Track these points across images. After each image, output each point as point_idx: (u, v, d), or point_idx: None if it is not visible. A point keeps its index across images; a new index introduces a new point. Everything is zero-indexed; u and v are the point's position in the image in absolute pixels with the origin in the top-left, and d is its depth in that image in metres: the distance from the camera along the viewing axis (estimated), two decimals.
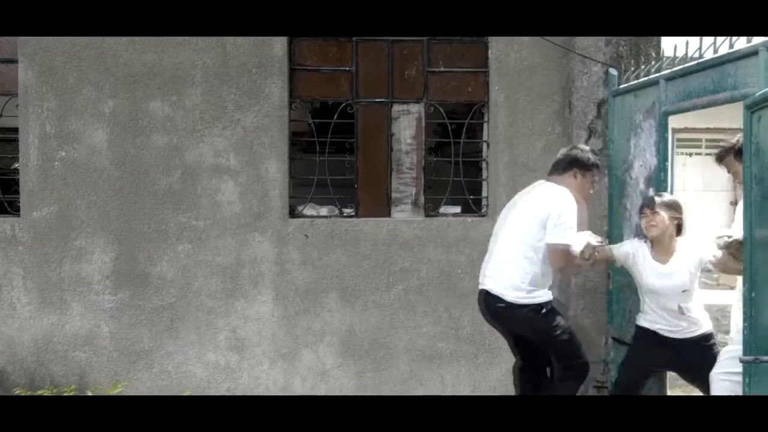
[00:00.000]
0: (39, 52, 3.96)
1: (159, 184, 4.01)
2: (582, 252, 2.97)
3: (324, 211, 4.19)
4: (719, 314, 4.60)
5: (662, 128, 3.31)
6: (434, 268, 4.06)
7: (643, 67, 3.59)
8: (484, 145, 4.23)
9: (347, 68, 4.15)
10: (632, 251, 3.13)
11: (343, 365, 4.08)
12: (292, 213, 4.11)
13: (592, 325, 3.99)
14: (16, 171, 4.08)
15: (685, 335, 3.02)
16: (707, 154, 10.10)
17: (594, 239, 3.03)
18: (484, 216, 4.16)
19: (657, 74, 3.35)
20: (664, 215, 2.97)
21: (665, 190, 3.30)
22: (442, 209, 4.24)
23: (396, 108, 4.22)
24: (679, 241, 3.04)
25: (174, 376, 4.06)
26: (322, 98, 4.36)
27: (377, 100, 4.18)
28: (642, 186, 3.50)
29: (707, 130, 9.52)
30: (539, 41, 3.95)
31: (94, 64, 3.98)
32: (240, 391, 4.03)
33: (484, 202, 4.23)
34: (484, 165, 4.26)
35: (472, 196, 4.23)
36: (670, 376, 3.49)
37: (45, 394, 3.79)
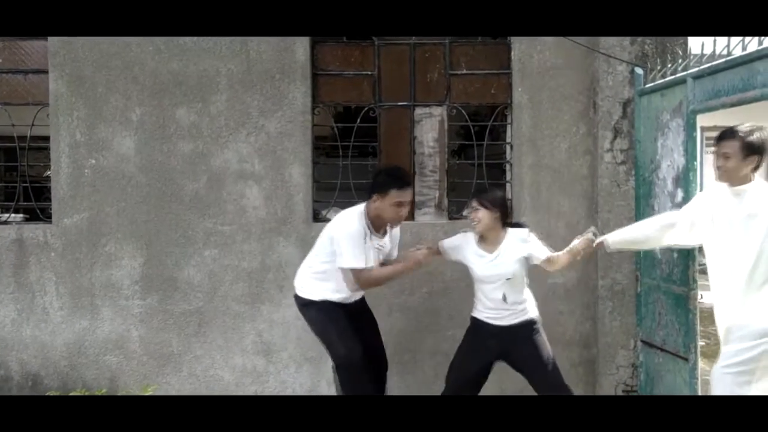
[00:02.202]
0: (69, 63, 4.06)
1: (185, 190, 4.07)
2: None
3: None
4: None
5: (690, 127, 3.25)
6: (458, 270, 4.02)
7: (669, 65, 3.53)
8: (508, 147, 4.21)
9: (369, 72, 4.16)
10: (460, 243, 3.24)
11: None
12: (316, 217, 4.14)
13: (620, 328, 3.94)
14: (47, 179, 4.18)
15: (508, 322, 3.12)
16: None
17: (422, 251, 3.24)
18: None
19: (684, 72, 3.30)
20: (486, 211, 3.08)
21: (694, 190, 3.25)
22: (466, 212, 4.22)
23: (418, 111, 4.22)
24: (509, 232, 3.16)
25: (202, 379, 4.11)
26: (344, 102, 4.38)
27: (400, 103, 4.18)
28: (670, 187, 3.44)
29: None
30: (563, 41, 3.91)
31: (122, 73, 4.06)
32: (267, 395, 4.06)
33: (507, 204, 4.19)
34: (507, 167, 4.23)
35: None
36: None
37: (78, 395, 3.87)
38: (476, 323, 3.23)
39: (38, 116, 4.15)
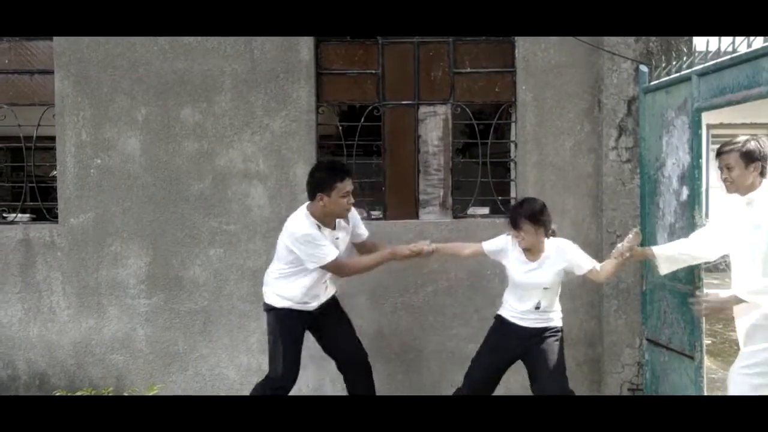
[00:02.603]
0: (74, 63, 4.08)
1: (191, 189, 4.09)
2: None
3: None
4: None
5: (695, 125, 3.24)
6: (463, 269, 4.05)
7: (674, 63, 3.52)
8: (512, 146, 4.20)
9: (373, 71, 4.17)
10: (503, 247, 3.23)
11: (374, 368, 4.05)
12: None
13: (625, 326, 3.93)
14: (54, 179, 4.20)
15: (533, 325, 3.14)
16: None
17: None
18: None
19: (689, 70, 3.29)
20: (529, 228, 3.05)
21: (699, 188, 3.24)
22: (470, 210, 4.22)
23: (423, 110, 4.22)
24: (552, 242, 3.15)
25: (208, 378, 4.13)
26: (348, 101, 4.38)
27: (404, 102, 4.18)
28: (675, 184, 3.43)
29: (743, 125, 9.27)
30: (567, 39, 3.91)
31: (127, 73, 4.07)
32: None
33: (512, 202, 4.19)
34: (512, 165, 4.23)
35: (500, 197, 4.21)
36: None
37: (84, 395, 3.89)
38: (502, 322, 3.23)
39: (44, 116, 4.18)
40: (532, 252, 3.13)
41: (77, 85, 4.09)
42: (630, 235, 3.12)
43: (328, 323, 3.37)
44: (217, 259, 4.09)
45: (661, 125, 3.57)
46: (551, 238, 3.17)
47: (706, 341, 3.35)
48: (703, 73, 3.15)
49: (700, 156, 3.25)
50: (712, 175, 9.18)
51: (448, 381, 4.05)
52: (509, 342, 3.17)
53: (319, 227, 3.16)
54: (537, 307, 3.13)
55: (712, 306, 2.90)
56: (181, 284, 4.10)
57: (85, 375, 4.13)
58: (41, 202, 4.31)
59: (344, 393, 4.00)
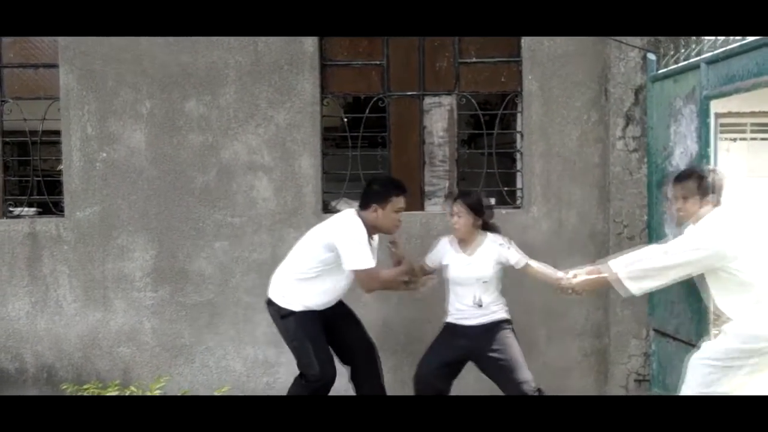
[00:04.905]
0: (79, 57, 4.07)
1: (196, 182, 4.08)
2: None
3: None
4: None
5: (704, 113, 3.21)
6: None
7: (682, 50, 3.48)
8: (518, 136, 4.17)
9: (378, 62, 4.14)
10: (439, 248, 3.32)
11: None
12: (326, 208, 4.13)
13: (632, 317, 3.91)
14: (60, 172, 4.21)
15: (477, 321, 3.18)
16: (752, 139, 9.76)
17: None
18: (518, 208, 4.11)
19: (697, 58, 3.25)
20: (466, 215, 3.15)
21: None
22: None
23: (428, 101, 4.20)
24: (487, 236, 3.23)
25: (214, 370, 4.14)
26: (353, 93, 4.36)
27: (409, 93, 4.16)
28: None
29: (752, 114, 9.19)
30: None
31: (132, 67, 4.07)
32: (278, 385, 4.08)
33: (518, 193, 4.17)
34: (518, 156, 4.20)
35: (506, 188, 4.18)
36: None
37: (92, 394, 3.91)
38: (447, 326, 3.29)
39: (50, 110, 4.18)
40: (466, 243, 3.21)
41: (82, 78, 4.08)
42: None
43: (337, 319, 3.35)
44: (222, 252, 4.09)
45: (668, 114, 3.53)
46: (486, 232, 3.23)
47: (714, 331, 3.33)
48: (711, 61, 3.12)
49: (708, 145, 3.22)
50: (720, 165, 9.15)
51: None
52: (455, 341, 3.21)
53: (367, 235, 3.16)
54: (479, 304, 3.17)
55: (581, 287, 3.05)
56: (187, 277, 4.10)
57: (92, 368, 4.15)
58: (47, 196, 4.32)
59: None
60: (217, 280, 4.10)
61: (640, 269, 2.85)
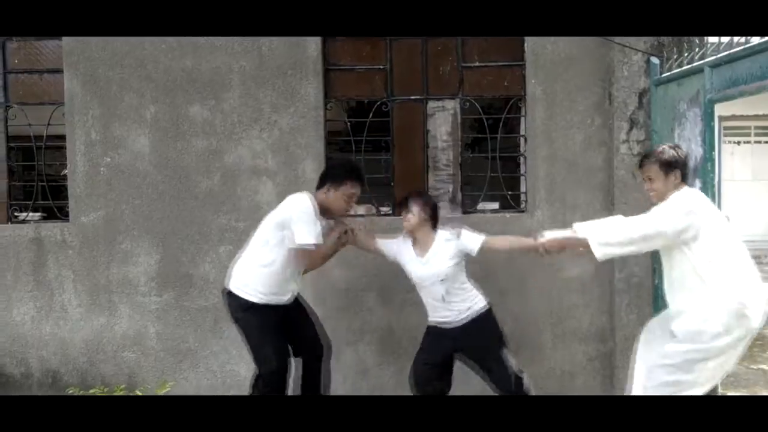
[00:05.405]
0: (83, 62, 4.09)
1: (200, 186, 4.09)
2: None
3: (361, 210, 4.20)
4: None
5: (708, 117, 3.21)
6: (473, 264, 4.02)
7: (686, 54, 3.48)
8: (522, 140, 4.17)
9: (381, 66, 4.15)
10: (397, 247, 3.36)
11: (383, 363, 4.09)
12: None
13: (637, 321, 3.89)
14: (64, 177, 4.22)
15: (457, 323, 3.23)
16: (756, 142, 9.74)
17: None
18: (522, 212, 4.10)
19: (701, 61, 3.25)
20: (417, 212, 3.21)
21: (712, 180, 3.20)
22: (480, 206, 4.20)
23: (431, 105, 4.20)
24: (438, 234, 3.28)
25: (219, 375, 4.14)
26: (357, 97, 4.37)
27: (412, 97, 4.16)
28: (688, 177, 3.39)
29: (756, 117, 9.17)
30: None
31: (136, 71, 4.08)
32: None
33: (522, 197, 4.17)
34: (521, 160, 4.20)
35: (510, 192, 4.18)
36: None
37: (97, 394, 3.91)
38: (429, 329, 3.37)
39: (54, 115, 4.20)
40: (420, 245, 3.28)
41: (86, 83, 4.10)
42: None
43: (294, 314, 3.40)
44: (226, 256, 4.08)
45: (672, 117, 3.53)
46: (438, 231, 3.30)
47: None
48: (715, 65, 3.11)
49: (713, 148, 3.21)
50: (724, 168, 9.12)
51: (457, 376, 4.03)
52: (440, 341, 3.29)
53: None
54: (443, 299, 3.22)
55: (551, 245, 3.12)
56: (191, 281, 4.11)
57: (97, 372, 4.16)
58: (52, 201, 4.33)
59: (351, 392, 4.02)
60: (221, 284, 4.08)
61: (607, 237, 2.93)
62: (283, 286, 3.26)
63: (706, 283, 2.74)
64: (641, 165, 3.03)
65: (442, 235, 3.29)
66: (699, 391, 2.77)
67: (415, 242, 3.31)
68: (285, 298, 3.30)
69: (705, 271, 2.74)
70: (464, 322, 3.23)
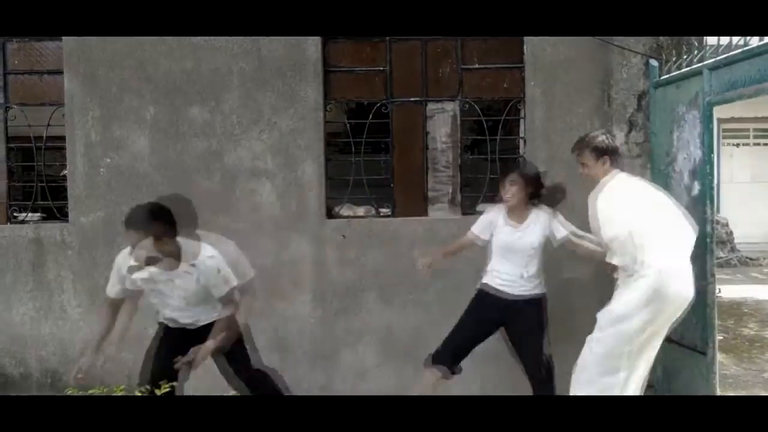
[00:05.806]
0: (83, 63, 4.09)
1: (199, 188, 4.09)
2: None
3: (361, 211, 4.21)
4: None
5: (706, 119, 3.22)
6: (472, 266, 4.02)
7: (685, 57, 3.49)
8: (521, 142, 4.18)
9: (381, 68, 4.16)
10: (490, 218, 3.38)
11: (383, 364, 4.09)
12: (330, 214, 4.14)
13: None
14: (64, 178, 4.22)
15: (519, 292, 3.28)
16: (755, 145, 9.76)
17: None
18: None
19: (700, 64, 3.26)
20: (522, 185, 3.24)
21: (711, 183, 3.21)
22: (480, 207, 4.20)
23: (431, 106, 4.21)
24: (534, 209, 3.32)
25: (218, 375, 4.13)
26: (356, 99, 4.38)
27: (412, 99, 4.17)
28: (686, 179, 3.40)
29: (755, 119, 9.19)
30: None
31: (135, 73, 4.09)
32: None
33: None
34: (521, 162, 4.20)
35: None
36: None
37: (96, 394, 3.91)
38: (487, 294, 3.35)
39: (54, 116, 4.20)
40: (515, 216, 3.29)
41: (86, 85, 4.10)
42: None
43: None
44: None
45: (671, 120, 3.54)
46: (535, 207, 3.32)
47: (718, 337, 3.33)
48: (714, 67, 3.13)
49: (711, 151, 3.23)
50: (723, 170, 9.13)
51: (457, 378, 4.04)
52: (493, 315, 3.32)
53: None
54: (521, 276, 3.26)
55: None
56: None
57: (96, 373, 4.14)
58: (52, 202, 4.33)
59: (352, 392, 4.03)
60: None
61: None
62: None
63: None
64: (574, 149, 3.21)
65: (541, 209, 3.33)
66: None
67: (511, 212, 3.32)
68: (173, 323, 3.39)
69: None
70: (526, 295, 3.27)
